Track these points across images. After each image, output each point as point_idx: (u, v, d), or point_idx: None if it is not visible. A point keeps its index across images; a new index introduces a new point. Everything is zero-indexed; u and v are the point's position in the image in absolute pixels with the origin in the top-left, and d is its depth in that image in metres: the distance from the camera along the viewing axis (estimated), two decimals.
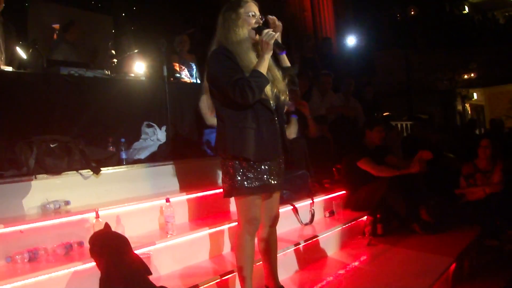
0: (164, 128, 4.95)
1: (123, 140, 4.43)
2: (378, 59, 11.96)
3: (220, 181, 4.38)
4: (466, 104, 16.66)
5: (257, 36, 2.87)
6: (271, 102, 2.93)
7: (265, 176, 2.88)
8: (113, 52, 5.93)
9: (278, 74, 3.00)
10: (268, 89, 2.87)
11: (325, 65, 8.82)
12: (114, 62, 5.74)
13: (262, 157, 2.84)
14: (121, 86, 5.34)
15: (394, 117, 9.61)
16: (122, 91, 5.23)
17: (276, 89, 2.96)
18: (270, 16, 2.91)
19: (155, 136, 4.87)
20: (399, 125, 9.67)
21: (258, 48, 2.91)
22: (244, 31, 2.88)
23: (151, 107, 5.36)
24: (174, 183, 4.19)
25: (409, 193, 5.11)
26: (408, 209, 5.06)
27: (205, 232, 3.67)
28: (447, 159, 7.03)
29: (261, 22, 2.92)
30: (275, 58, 2.99)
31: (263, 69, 2.80)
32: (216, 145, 3.04)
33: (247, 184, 2.83)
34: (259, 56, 2.85)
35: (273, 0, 11.53)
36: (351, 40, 10.66)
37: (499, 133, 9.61)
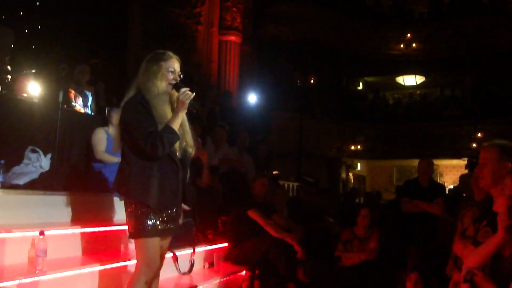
0: (49, 155, 4.71)
1: (2, 161, 4.14)
2: (275, 120, 12.40)
3: (102, 218, 4.28)
4: (349, 173, 17.62)
5: (173, 92, 2.99)
6: (178, 153, 3.07)
7: (164, 221, 2.96)
8: (9, 67, 5.61)
9: (188, 127, 3.13)
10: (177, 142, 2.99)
11: (224, 117, 9.00)
12: (8, 78, 5.43)
13: (162, 205, 2.93)
14: (11, 104, 5.03)
15: (282, 176, 9.93)
16: (11, 110, 4.93)
17: (185, 142, 3.11)
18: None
19: (39, 163, 4.61)
20: (286, 185, 9.99)
21: (173, 101, 3.03)
22: (162, 84, 2.99)
23: (39, 131, 5.08)
24: (53, 215, 3.92)
25: (289, 251, 5.22)
26: (287, 267, 5.16)
27: (79, 271, 3.47)
28: (327, 223, 7.33)
29: (179, 79, 3.04)
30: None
31: (176, 125, 2.92)
32: (117, 186, 3.06)
33: (149, 227, 2.90)
34: (174, 112, 2.96)
35: (182, 44, 11.70)
36: (252, 98, 10.98)
37: (375, 204, 10.23)
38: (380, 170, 18.22)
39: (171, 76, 3.00)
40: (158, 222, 2.92)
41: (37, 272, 3.15)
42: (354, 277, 5.53)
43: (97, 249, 3.97)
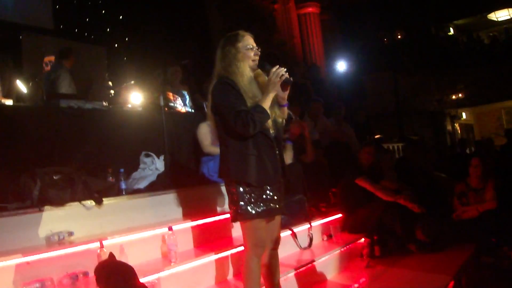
0: (162, 157, 5.01)
1: (122, 170, 4.47)
2: (368, 83, 12.15)
3: (220, 208, 4.51)
4: (455, 124, 16.86)
5: (258, 70, 3.05)
6: (271, 130, 3.07)
7: (267, 201, 3.00)
8: (110, 83, 6.01)
9: (273, 98, 3.09)
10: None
11: (316, 90, 8.99)
12: (111, 93, 5.81)
13: (263, 181, 2.97)
14: (119, 117, 5.42)
15: (385, 139, 9.76)
16: (120, 122, 5.31)
17: (274, 113, 3.08)
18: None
19: (154, 166, 4.93)
20: (390, 147, 9.82)
21: (259, 78, 3.07)
22: (245, 65, 3.03)
23: (149, 136, 5.43)
24: (175, 212, 4.25)
25: (404, 213, 5.19)
26: (404, 229, 5.14)
27: (208, 259, 3.71)
28: (439, 179, 7.13)
29: (259, 53, 3.08)
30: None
31: (267, 105, 2.94)
32: (220, 171, 3.12)
33: (251, 208, 2.95)
34: (264, 91, 2.98)
35: (263, 27, 11.80)
36: (341, 65, 10.84)
37: (489, 151, 9.76)
38: (488, 115, 17.23)
39: (251, 53, 3.05)
40: (260, 203, 2.96)
41: (172, 264, 3.43)
42: (475, 230, 5.39)
43: (214, 237, 4.18)
